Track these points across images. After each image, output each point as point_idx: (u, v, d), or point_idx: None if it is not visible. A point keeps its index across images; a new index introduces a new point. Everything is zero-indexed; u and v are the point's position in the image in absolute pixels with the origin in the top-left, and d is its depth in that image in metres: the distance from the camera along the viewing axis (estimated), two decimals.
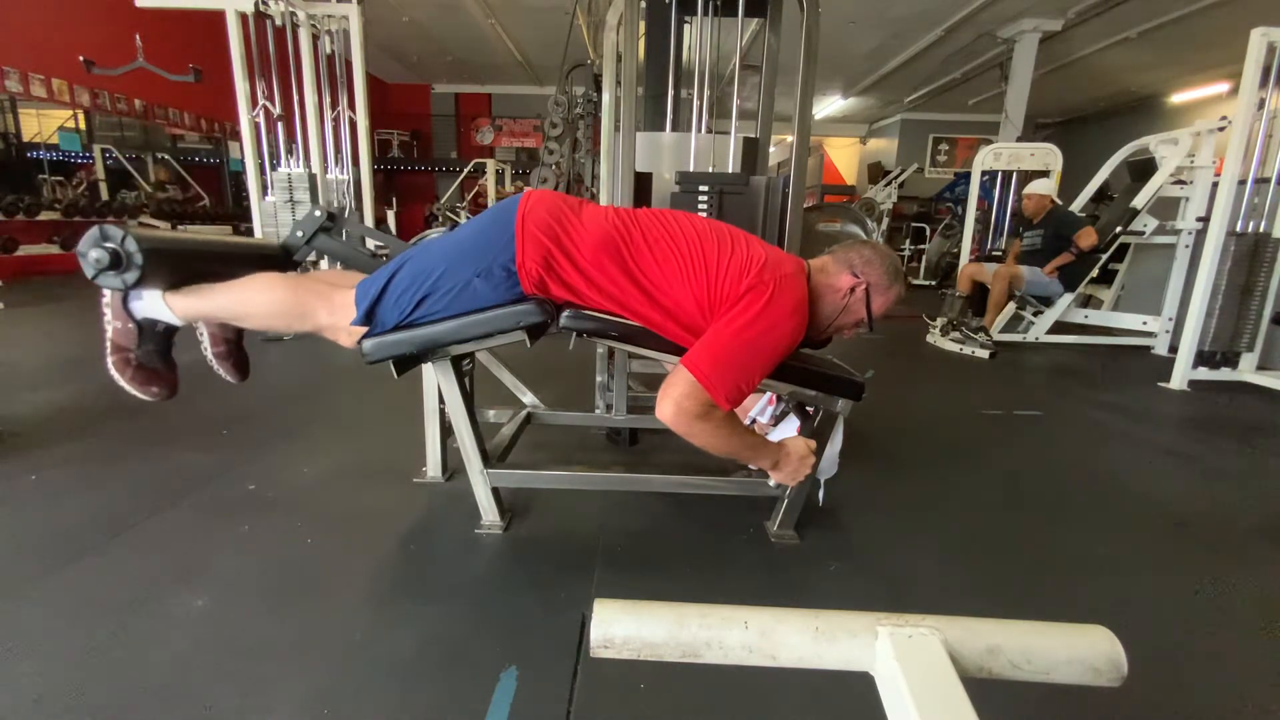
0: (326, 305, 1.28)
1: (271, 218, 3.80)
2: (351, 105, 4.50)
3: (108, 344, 1.29)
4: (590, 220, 1.27)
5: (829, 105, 11.86)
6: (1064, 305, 4.18)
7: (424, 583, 1.29)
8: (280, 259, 1.47)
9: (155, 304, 1.28)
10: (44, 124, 6.33)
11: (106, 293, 1.27)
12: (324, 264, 3.67)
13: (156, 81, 5.36)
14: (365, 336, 1.28)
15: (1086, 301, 4.79)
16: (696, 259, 1.24)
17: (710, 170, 1.97)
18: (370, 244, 1.66)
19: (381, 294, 1.25)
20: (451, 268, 1.24)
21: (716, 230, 1.30)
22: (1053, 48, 7.64)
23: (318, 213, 1.46)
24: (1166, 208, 3.99)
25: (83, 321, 3.96)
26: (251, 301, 1.28)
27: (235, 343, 1.45)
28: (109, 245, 1.15)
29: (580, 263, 1.24)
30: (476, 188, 10.43)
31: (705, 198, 1.84)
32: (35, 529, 1.43)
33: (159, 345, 1.33)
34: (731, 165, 2.01)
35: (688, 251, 1.25)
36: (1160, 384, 3.21)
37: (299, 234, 1.47)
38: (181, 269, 1.29)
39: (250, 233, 4.28)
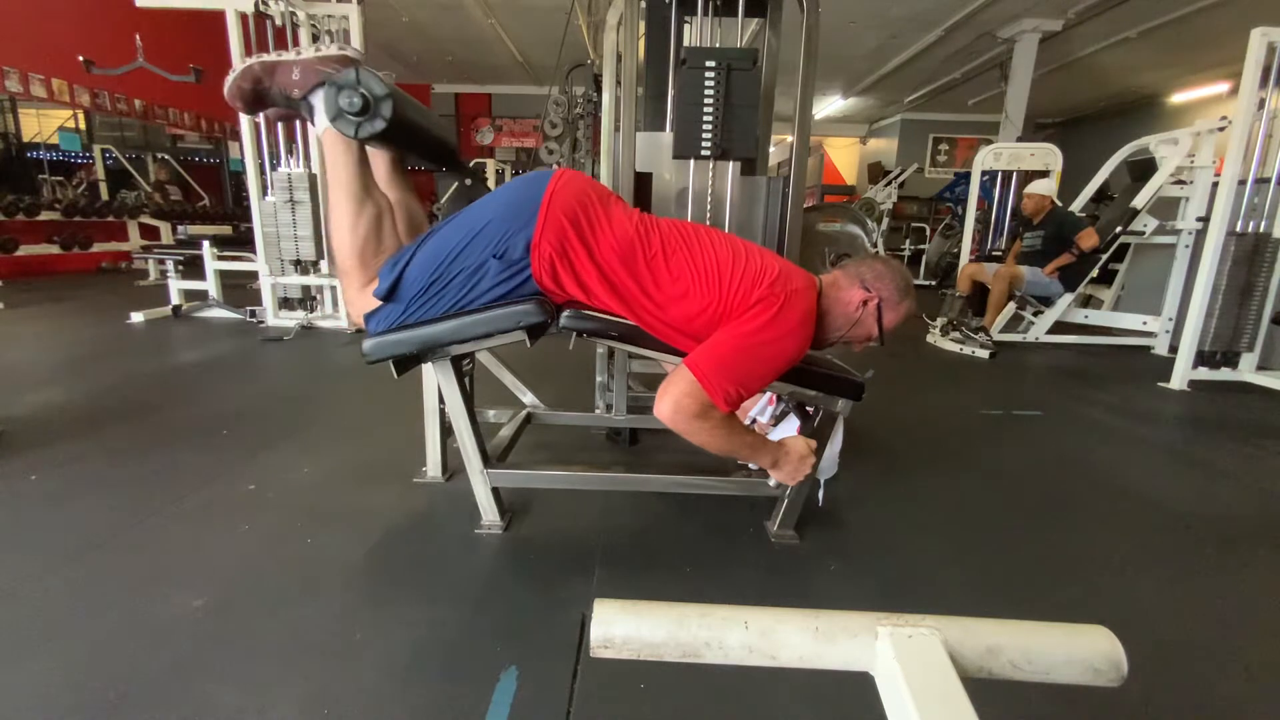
0: (360, 279, 1.30)
1: (271, 218, 3.79)
2: None
3: (270, 60, 1.25)
4: (617, 220, 1.27)
5: (829, 105, 11.86)
6: (1064, 305, 4.18)
7: (424, 583, 1.29)
8: (447, 152, 1.59)
9: (320, 118, 1.25)
10: (44, 124, 6.33)
11: (305, 64, 1.24)
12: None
13: (156, 81, 5.35)
14: (372, 327, 1.30)
15: (1086, 301, 4.79)
16: (710, 270, 1.24)
17: (710, 174, 1.95)
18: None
19: (407, 265, 1.26)
20: (472, 244, 1.24)
21: (732, 243, 1.31)
22: (1053, 48, 7.64)
23: (468, 181, 1.52)
24: (1166, 208, 3.99)
25: (83, 321, 3.96)
26: (337, 210, 1.28)
27: (289, 113, 1.37)
28: (365, 93, 1.18)
29: (596, 256, 1.24)
30: None
31: (712, 74, 1.77)
32: (35, 529, 1.43)
33: (287, 108, 1.31)
34: (731, 165, 2.00)
35: (703, 263, 1.25)
36: (1160, 384, 3.21)
37: (468, 164, 1.51)
38: (384, 136, 1.29)
39: (250, 232, 4.27)
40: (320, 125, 1.26)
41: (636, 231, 1.26)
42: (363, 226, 1.28)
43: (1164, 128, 4.99)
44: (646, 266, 1.25)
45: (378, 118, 1.20)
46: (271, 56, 1.26)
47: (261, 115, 1.41)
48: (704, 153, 1.82)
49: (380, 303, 1.28)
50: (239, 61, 1.26)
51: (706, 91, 1.77)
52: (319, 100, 1.25)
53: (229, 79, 1.27)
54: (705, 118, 1.79)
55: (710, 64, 1.76)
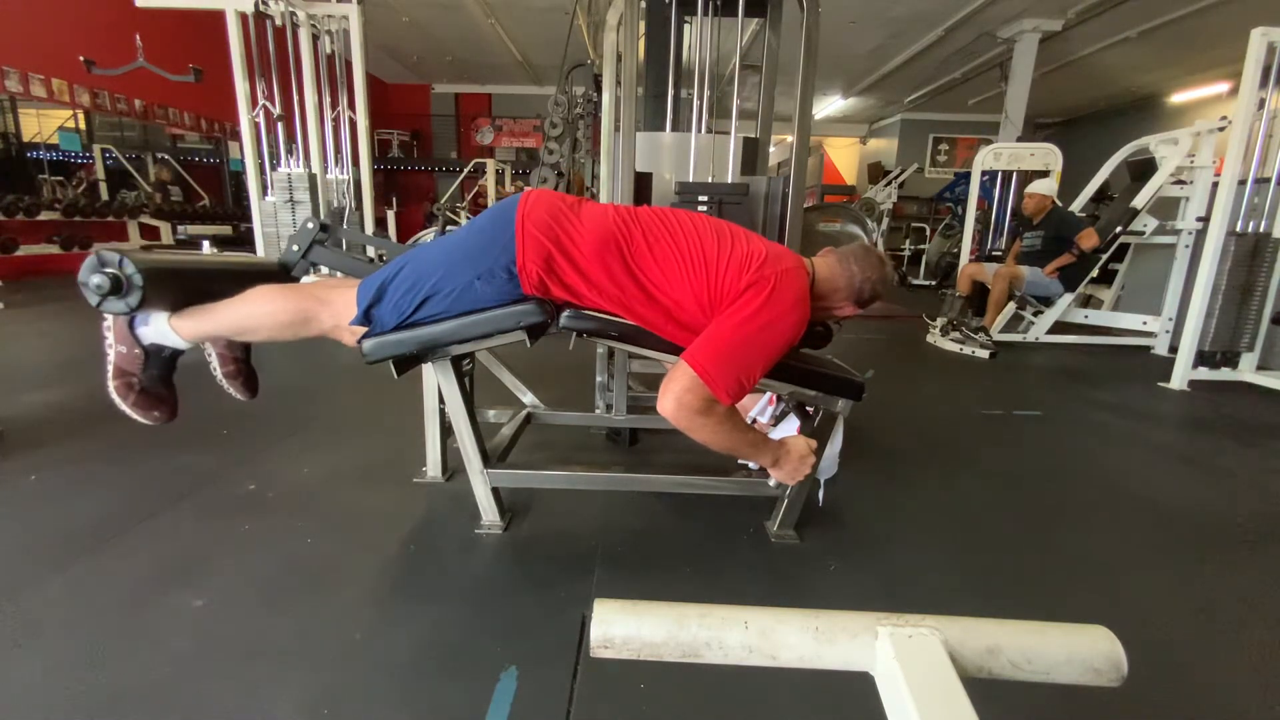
0: (329, 309, 1.28)
1: (271, 218, 3.81)
2: (351, 105, 4.50)
3: (110, 368, 1.29)
4: (589, 219, 1.27)
5: (829, 105, 11.85)
6: (1064, 305, 4.18)
7: (424, 583, 1.29)
8: (279, 276, 1.46)
9: (161, 329, 1.28)
10: (44, 124, 6.32)
11: (108, 318, 1.27)
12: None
13: (156, 81, 5.36)
14: (366, 336, 1.28)
15: (1086, 301, 4.79)
16: (696, 256, 1.24)
17: (710, 174, 1.97)
18: (370, 251, 1.65)
19: (380, 295, 1.25)
20: (451, 270, 1.24)
21: (716, 227, 1.31)
22: (1053, 48, 7.64)
23: (310, 224, 1.45)
24: (1166, 208, 3.99)
25: (83, 321, 3.96)
26: (255, 315, 1.27)
27: (244, 361, 1.45)
28: (108, 270, 1.15)
29: (580, 263, 1.24)
30: (476, 188, 10.42)
31: (705, 208, 1.86)
32: (35, 529, 1.43)
33: (163, 370, 1.33)
34: (731, 165, 2.00)
35: (688, 249, 1.25)
36: (1160, 384, 3.21)
37: (294, 248, 1.45)
38: (183, 289, 1.29)
39: (250, 233, 4.29)
40: (164, 330, 1.28)
41: (614, 225, 1.26)
42: (270, 300, 1.27)
43: (1164, 128, 4.98)
44: (632, 258, 1.24)
45: (134, 277, 1.16)
46: (107, 367, 1.30)
47: (226, 380, 1.44)
48: None
49: (364, 327, 1.27)
50: (115, 399, 1.30)
51: None
52: (138, 326, 1.27)
53: (127, 413, 1.31)
54: None
55: (703, 197, 1.85)
